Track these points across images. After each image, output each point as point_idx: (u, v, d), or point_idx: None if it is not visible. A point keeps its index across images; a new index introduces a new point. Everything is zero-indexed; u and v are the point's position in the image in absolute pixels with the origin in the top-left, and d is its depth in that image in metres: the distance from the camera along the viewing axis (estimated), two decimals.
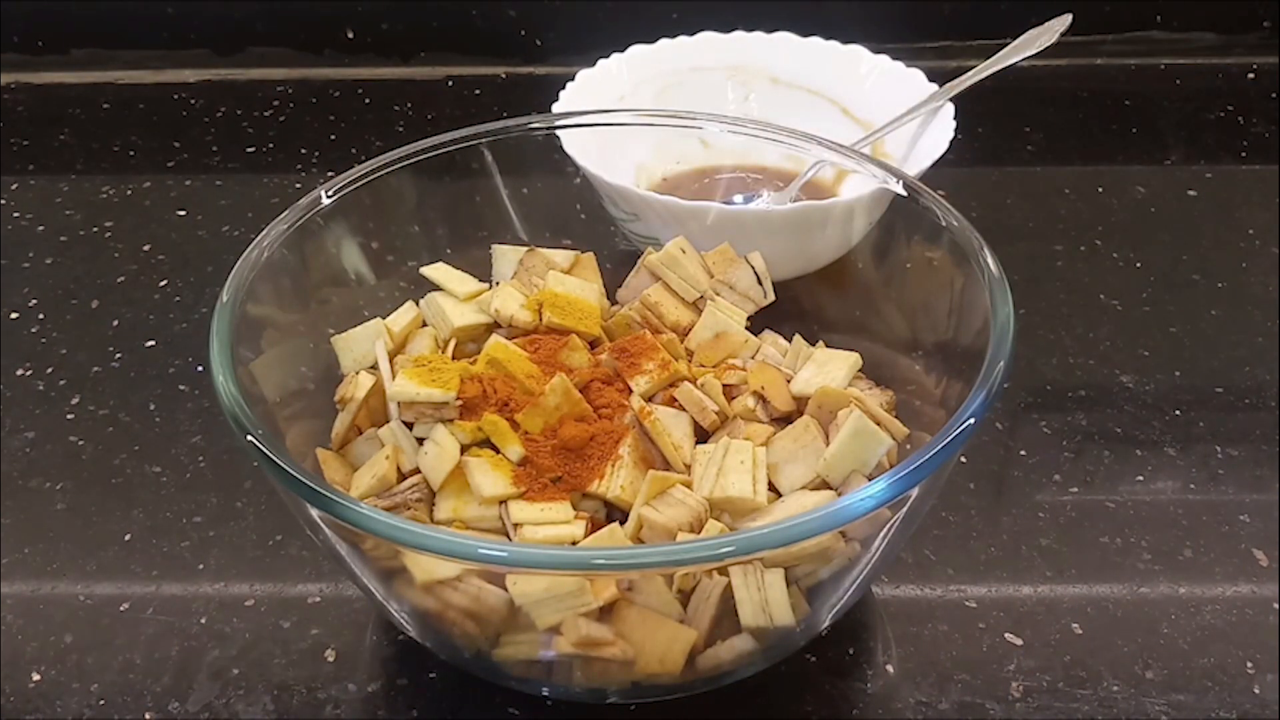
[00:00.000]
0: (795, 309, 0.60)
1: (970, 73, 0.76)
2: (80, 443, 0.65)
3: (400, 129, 0.94)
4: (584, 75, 0.77)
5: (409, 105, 0.97)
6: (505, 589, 0.44)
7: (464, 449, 0.51)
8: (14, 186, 0.87)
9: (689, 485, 0.50)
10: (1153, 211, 0.83)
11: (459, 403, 0.51)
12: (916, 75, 0.77)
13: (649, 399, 0.54)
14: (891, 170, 0.57)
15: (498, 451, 0.51)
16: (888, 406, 0.54)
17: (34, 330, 0.73)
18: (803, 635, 0.50)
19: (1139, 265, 0.78)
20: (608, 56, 0.78)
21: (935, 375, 0.54)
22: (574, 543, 0.48)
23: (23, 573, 0.57)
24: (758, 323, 0.59)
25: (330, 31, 1.00)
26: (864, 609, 0.55)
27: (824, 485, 0.50)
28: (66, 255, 0.80)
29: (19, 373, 0.70)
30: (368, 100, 0.98)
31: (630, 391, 0.54)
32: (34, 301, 0.75)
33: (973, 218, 0.52)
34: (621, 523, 0.49)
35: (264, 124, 0.95)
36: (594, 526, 0.49)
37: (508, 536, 0.49)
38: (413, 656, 0.53)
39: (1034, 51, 0.78)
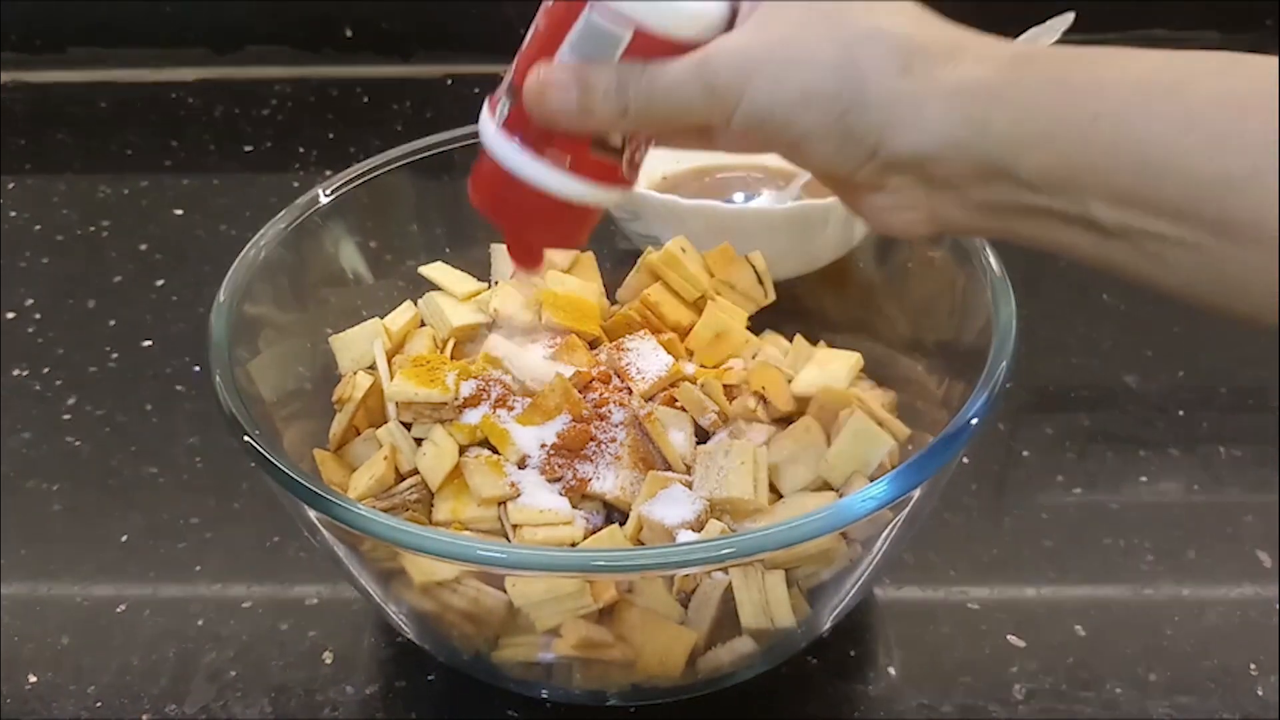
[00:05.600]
0: (796, 309, 0.60)
1: None
2: (77, 443, 0.65)
3: (399, 128, 0.94)
4: None
5: (408, 105, 0.97)
6: (504, 591, 0.44)
7: (462, 450, 0.51)
8: (11, 186, 0.87)
9: (689, 485, 0.49)
10: None
11: (458, 403, 0.51)
12: None
13: (649, 399, 0.54)
14: None
15: (496, 452, 0.50)
16: (889, 407, 0.54)
17: (31, 330, 0.73)
18: (804, 637, 0.50)
19: None
20: None
21: (937, 375, 0.54)
22: (573, 544, 0.48)
23: (19, 574, 0.57)
24: (758, 322, 0.59)
25: (329, 30, 1.00)
26: (866, 610, 0.55)
27: (825, 486, 0.50)
28: (63, 255, 0.80)
29: (15, 373, 0.69)
30: (367, 100, 0.98)
31: (630, 391, 0.53)
32: (30, 301, 0.75)
33: None
34: (621, 523, 0.49)
35: (262, 123, 0.95)
36: (593, 527, 0.49)
37: (506, 538, 0.48)
38: (411, 658, 0.53)
39: None
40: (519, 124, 0.39)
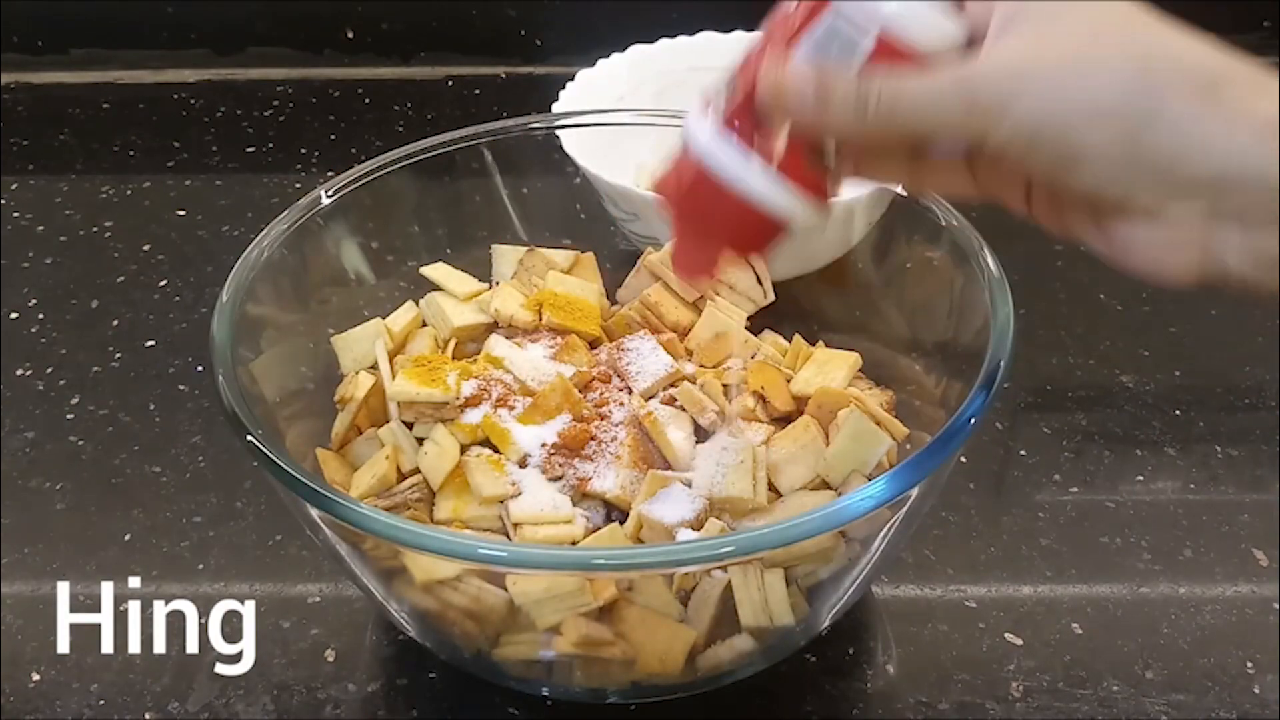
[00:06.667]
0: (795, 309, 0.60)
1: None
2: (80, 443, 0.65)
3: (400, 129, 0.94)
4: (584, 75, 0.76)
5: (409, 105, 0.97)
6: (505, 589, 0.44)
7: (464, 449, 0.51)
8: (14, 186, 0.87)
9: (688, 484, 0.50)
10: None
11: (459, 403, 0.51)
12: None
13: (649, 399, 0.54)
14: None
15: (497, 451, 0.51)
16: (887, 406, 0.54)
17: (34, 330, 0.73)
18: (802, 635, 0.50)
19: None
20: (608, 56, 0.78)
21: (935, 375, 0.54)
22: (574, 542, 0.48)
23: (22, 572, 0.57)
24: (758, 323, 0.59)
25: (330, 31, 1.00)
26: (864, 609, 0.55)
27: (824, 485, 0.50)
28: (66, 255, 0.80)
29: (19, 372, 0.70)
30: (368, 100, 0.98)
31: (630, 391, 0.54)
32: (34, 301, 0.75)
33: (972, 217, 0.52)
34: (621, 522, 0.49)
35: (264, 124, 0.95)
36: (593, 526, 0.49)
37: (507, 536, 0.49)
38: (412, 656, 0.53)
39: None
40: (737, 124, 0.38)
